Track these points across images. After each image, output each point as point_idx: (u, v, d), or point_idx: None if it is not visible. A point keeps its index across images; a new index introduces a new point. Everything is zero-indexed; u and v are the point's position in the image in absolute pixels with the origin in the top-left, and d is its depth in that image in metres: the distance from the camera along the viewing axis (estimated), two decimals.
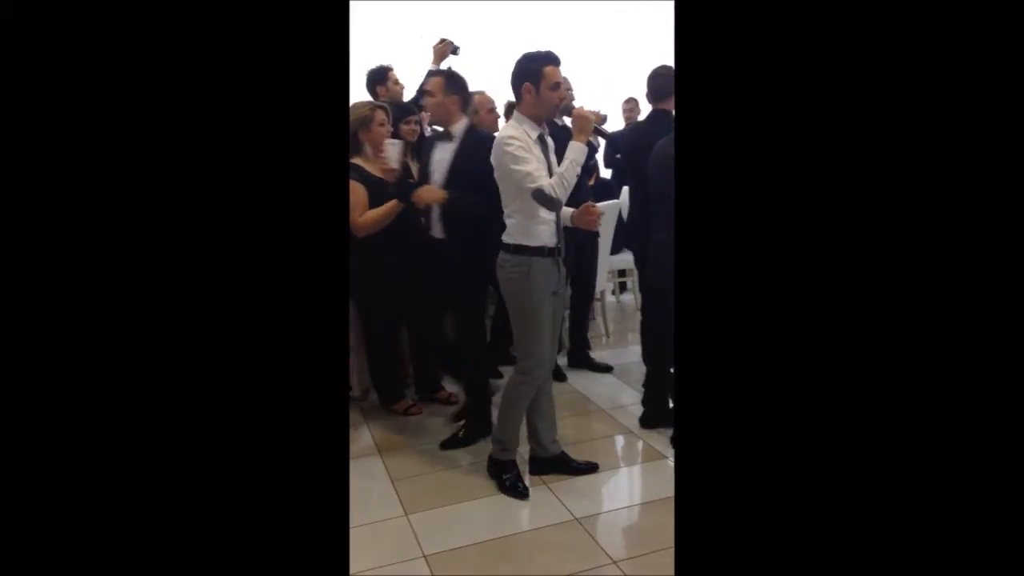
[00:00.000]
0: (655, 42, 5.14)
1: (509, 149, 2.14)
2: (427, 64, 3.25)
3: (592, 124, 2.16)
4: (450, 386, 3.28)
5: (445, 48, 3.31)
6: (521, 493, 2.36)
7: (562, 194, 2.12)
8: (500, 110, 3.41)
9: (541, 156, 2.19)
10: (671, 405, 2.78)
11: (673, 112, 2.78)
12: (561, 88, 2.19)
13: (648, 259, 2.63)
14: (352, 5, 1.15)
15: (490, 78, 3.18)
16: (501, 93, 2.95)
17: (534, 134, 2.20)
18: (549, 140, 2.26)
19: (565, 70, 2.26)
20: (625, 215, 4.01)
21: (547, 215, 2.19)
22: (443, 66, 3.32)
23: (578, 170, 2.13)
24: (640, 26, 5.39)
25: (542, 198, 2.10)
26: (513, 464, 2.43)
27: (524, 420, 2.45)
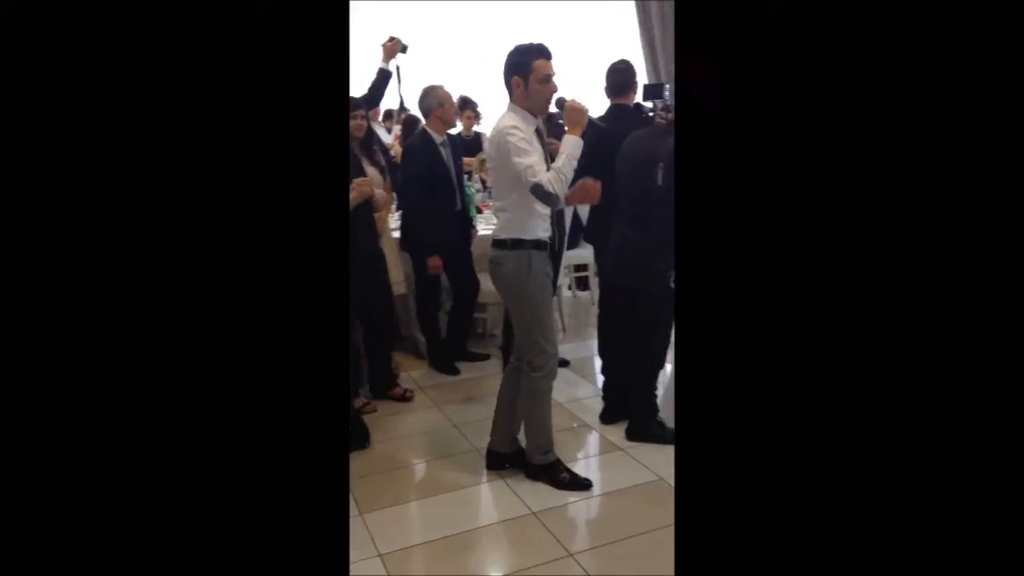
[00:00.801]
0: (600, 41, 5.21)
1: (512, 139, 2.07)
2: (421, 64, 3.22)
3: (586, 116, 2.10)
4: (405, 383, 3.24)
5: (394, 46, 3.28)
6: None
7: (559, 190, 2.08)
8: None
9: (540, 149, 2.14)
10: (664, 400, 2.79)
11: (631, 106, 2.80)
12: (552, 82, 2.13)
13: (610, 255, 2.63)
14: (352, 5, 1.15)
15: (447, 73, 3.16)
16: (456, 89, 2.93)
17: (531, 127, 2.15)
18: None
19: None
20: (580, 210, 4.03)
21: (543, 209, 2.17)
22: (391, 65, 3.29)
23: (574, 164, 2.09)
24: (589, 25, 5.42)
25: (541, 194, 2.07)
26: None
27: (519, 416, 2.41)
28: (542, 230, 2.20)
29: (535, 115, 2.17)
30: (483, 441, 2.58)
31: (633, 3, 5.27)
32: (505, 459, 2.46)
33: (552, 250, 2.25)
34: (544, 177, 2.06)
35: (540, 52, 2.13)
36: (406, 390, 3.14)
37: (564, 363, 3.49)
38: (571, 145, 2.09)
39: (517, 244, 2.19)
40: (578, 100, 2.11)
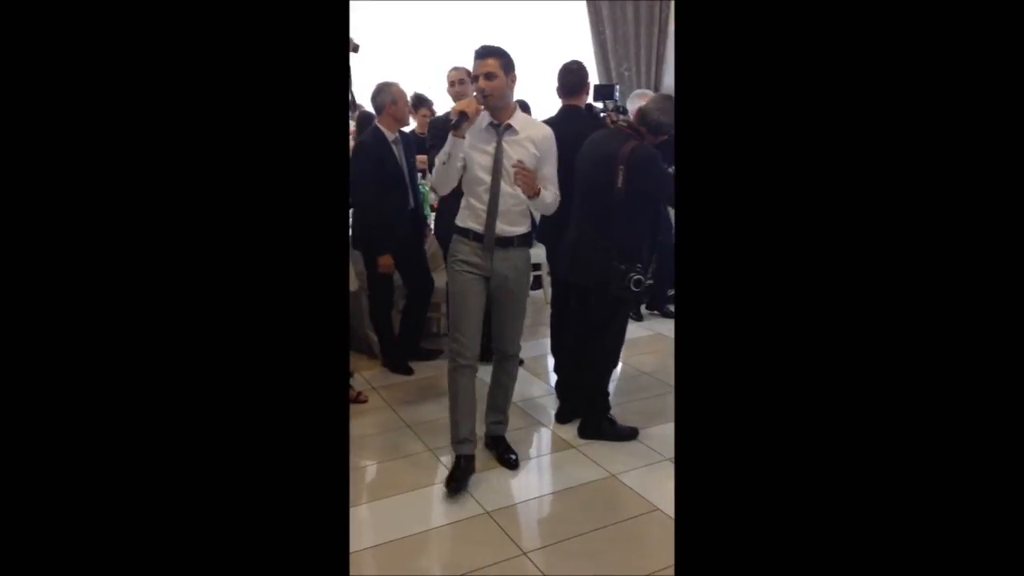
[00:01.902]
0: (552, 41, 5.24)
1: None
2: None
3: (462, 118, 2.15)
4: (358, 384, 3.20)
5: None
6: (457, 487, 2.32)
7: (433, 182, 2.28)
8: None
9: (477, 145, 2.22)
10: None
11: (583, 107, 2.82)
12: (480, 80, 2.19)
13: (565, 253, 2.64)
14: (353, 5, 1.16)
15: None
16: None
17: (484, 123, 2.24)
18: (516, 133, 2.24)
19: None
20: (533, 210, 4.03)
21: (475, 202, 2.26)
22: None
23: (446, 159, 2.19)
24: (544, 24, 5.45)
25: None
26: (466, 460, 2.38)
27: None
28: (469, 222, 2.30)
29: (490, 111, 2.24)
30: (437, 441, 2.58)
31: (584, 4, 5.32)
32: (487, 440, 2.59)
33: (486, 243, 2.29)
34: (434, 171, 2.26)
35: (475, 55, 2.23)
36: (359, 393, 3.10)
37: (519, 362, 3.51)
38: (447, 143, 2.20)
39: (453, 228, 2.36)
40: (466, 102, 2.19)
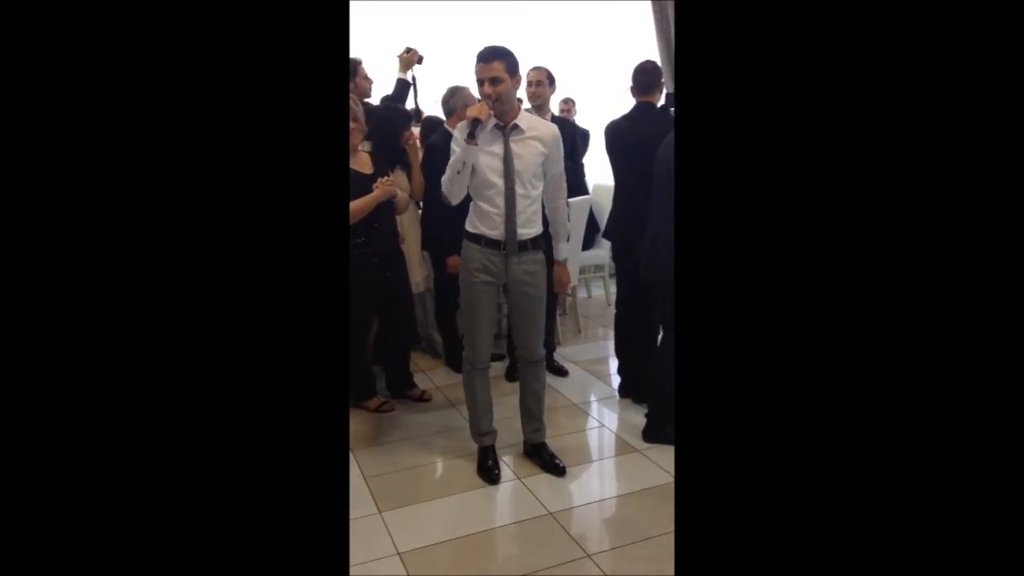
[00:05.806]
0: (615, 41, 5.21)
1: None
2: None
3: (466, 123, 2.16)
4: (423, 383, 3.26)
5: (411, 57, 3.40)
6: (489, 478, 2.43)
7: (447, 190, 2.25)
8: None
9: (485, 148, 2.21)
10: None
11: (657, 105, 2.83)
12: (486, 85, 2.17)
13: (644, 250, 2.62)
14: (352, 5, 1.17)
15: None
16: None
17: (489, 125, 2.23)
18: (522, 133, 2.24)
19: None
20: (596, 210, 4.02)
21: (487, 206, 2.26)
22: (409, 75, 3.38)
23: (459, 166, 2.18)
24: (611, 24, 5.42)
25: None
26: (487, 450, 2.51)
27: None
28: (484, 226, 2.27)
29: (497, 116, 2.23)
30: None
31: (649, 4, 5.26)
32: (527, 449, 2.60)
33: (500, 248, 2.28)
34: (443, 179, 2.25)
35: (477, 58, 2.20)
36: (423, 391, 3.15)
37: (563, 372, 3.43)
38: (460, 151, 2.19)
39: (463, 234, 2.36)
40: (477, 108, 2.17)
